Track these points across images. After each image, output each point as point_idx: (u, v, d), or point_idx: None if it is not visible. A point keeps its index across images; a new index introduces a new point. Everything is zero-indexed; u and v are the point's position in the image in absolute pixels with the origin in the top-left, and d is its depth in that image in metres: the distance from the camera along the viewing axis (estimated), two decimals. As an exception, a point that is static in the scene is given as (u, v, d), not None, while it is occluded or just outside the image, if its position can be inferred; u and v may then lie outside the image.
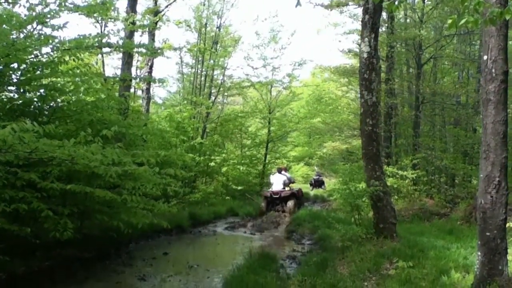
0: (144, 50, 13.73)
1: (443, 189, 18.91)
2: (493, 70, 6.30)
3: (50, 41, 9.59)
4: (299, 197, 18.61)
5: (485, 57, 6.46)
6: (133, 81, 17.27)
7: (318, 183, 30.68)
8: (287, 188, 18.19)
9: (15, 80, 9.74)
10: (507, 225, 6.54)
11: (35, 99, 10.15)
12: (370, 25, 10.67)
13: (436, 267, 7.86)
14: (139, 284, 8.70)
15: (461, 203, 16.88)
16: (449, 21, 4.56)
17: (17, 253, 8.56)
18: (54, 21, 9.86)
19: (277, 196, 17.54)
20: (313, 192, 27.97)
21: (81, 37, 10.23)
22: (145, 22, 16.04)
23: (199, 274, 9.42)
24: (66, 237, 8.25)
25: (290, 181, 19.18)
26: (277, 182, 18.28)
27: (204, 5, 24.54)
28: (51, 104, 10.45)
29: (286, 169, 20.90)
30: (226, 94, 30.09)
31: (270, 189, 18.34)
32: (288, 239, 14.16)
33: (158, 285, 8.63)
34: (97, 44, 11.26)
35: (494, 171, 6.26)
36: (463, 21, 4.35)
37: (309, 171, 37.79)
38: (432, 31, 22.93)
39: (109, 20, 16.00)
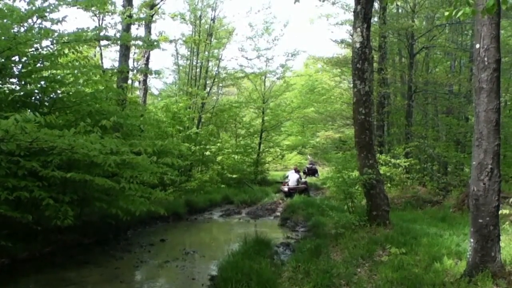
0: (141, 43, 13.91)
1: (436, 177, 18.98)
2: (486, 59, 6.31)
3: (50, 35, 9.77)
4: (307, 188, 22.17)
5: (477, 46, 6.46)
6: (130, 72, 17.42)
7: (311, 172, 30.78)
8: (300, 185, 21.78)
9: (16, 73, 9.94)
10: (500, 212, 6.56)
11: (36, 91, 10.34)
12: (363, 16, 10.73)
13: (429, 253, 7.96)
14: (137, 270, 8.91)
15: (453, 190, 16.97)
16: (446, 13, 4.54)
17: (20, 239, 8.80)
18: (53, 15, 10.10)
19: (294, 191, 20.84)
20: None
21: (80, 30, 10.41)
22: (142, 15, 16.17)
23: (196, 260, 9.64)
24: (67, 224, 8.45)
25: (301, 178, 23.01)
26: (292, 179, 21.79)
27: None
28: (52, 96, 10.65)
29: (297, 169, 24.03)
30: (221, 84, 30.07)
31: (287, 185, 21.80)
32: (282, 226, 14.40)
33: (156, 271, 8.83)
34: (95, 37, 11.41)
35: (487, 158, 6.29)
36: (460, 13, 4.33)
37: (302, 159, 37.83)
38: (424, 21, 23.02)
39: (107, 13, 16.17)
